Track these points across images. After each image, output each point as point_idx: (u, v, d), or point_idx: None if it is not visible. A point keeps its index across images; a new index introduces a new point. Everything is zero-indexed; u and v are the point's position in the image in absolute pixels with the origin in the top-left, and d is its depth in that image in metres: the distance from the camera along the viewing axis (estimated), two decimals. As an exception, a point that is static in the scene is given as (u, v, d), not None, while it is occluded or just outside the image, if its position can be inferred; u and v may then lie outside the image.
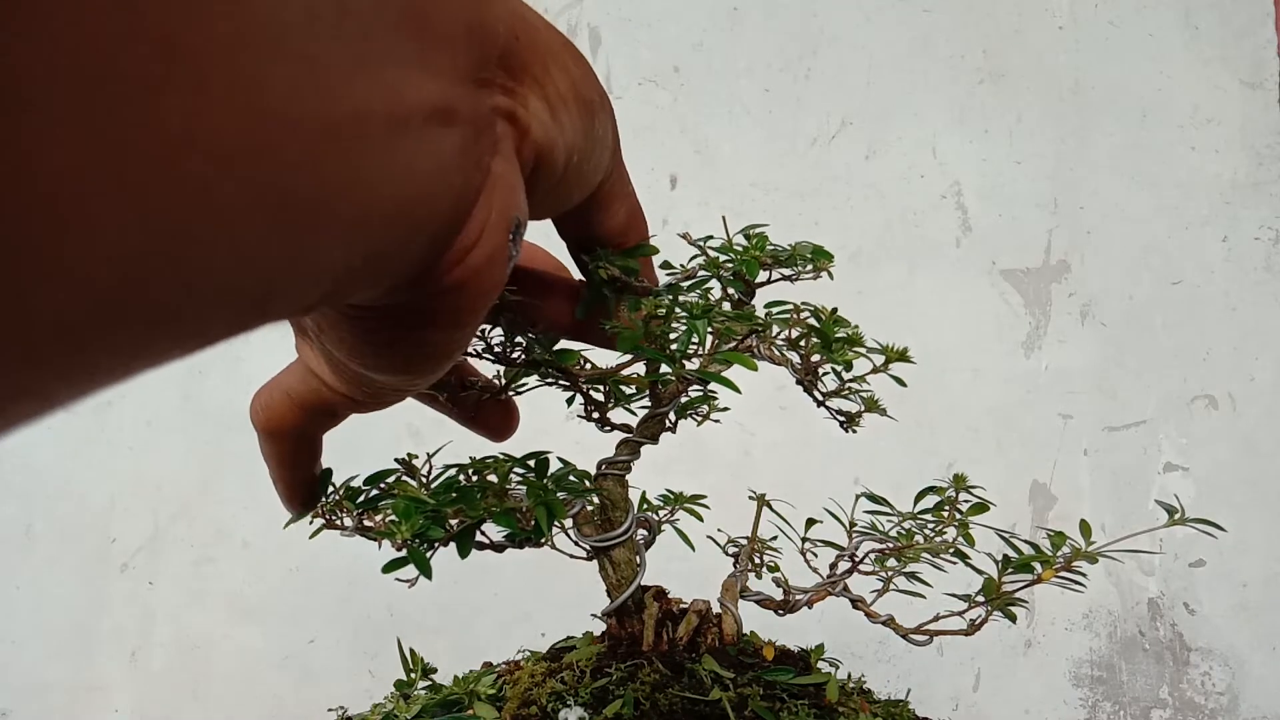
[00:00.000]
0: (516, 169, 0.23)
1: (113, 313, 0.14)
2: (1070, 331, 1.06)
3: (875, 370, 0.44)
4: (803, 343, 0.42)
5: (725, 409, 0.48)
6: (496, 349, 0.39)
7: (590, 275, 0.34)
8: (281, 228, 0.16)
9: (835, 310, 0.40)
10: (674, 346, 0.35)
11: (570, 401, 0.43)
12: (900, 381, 0.43)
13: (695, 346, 0.35)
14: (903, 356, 0.43)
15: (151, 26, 0.12)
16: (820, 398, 0.45)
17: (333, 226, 0.18)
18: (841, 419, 0.46)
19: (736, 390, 0.36)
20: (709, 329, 0.35)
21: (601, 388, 0.42)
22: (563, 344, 0.39)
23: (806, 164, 1.10)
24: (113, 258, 0.13)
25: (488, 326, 0.38)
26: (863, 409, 0.46)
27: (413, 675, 0.52)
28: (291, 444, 0.33)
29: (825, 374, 0.44)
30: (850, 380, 0.44)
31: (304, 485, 0.37)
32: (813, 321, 0.41)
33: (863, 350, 0.42)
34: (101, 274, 0.13)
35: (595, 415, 0.44)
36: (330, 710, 0.57)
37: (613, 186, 0.31)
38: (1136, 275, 1.06)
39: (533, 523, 0.34)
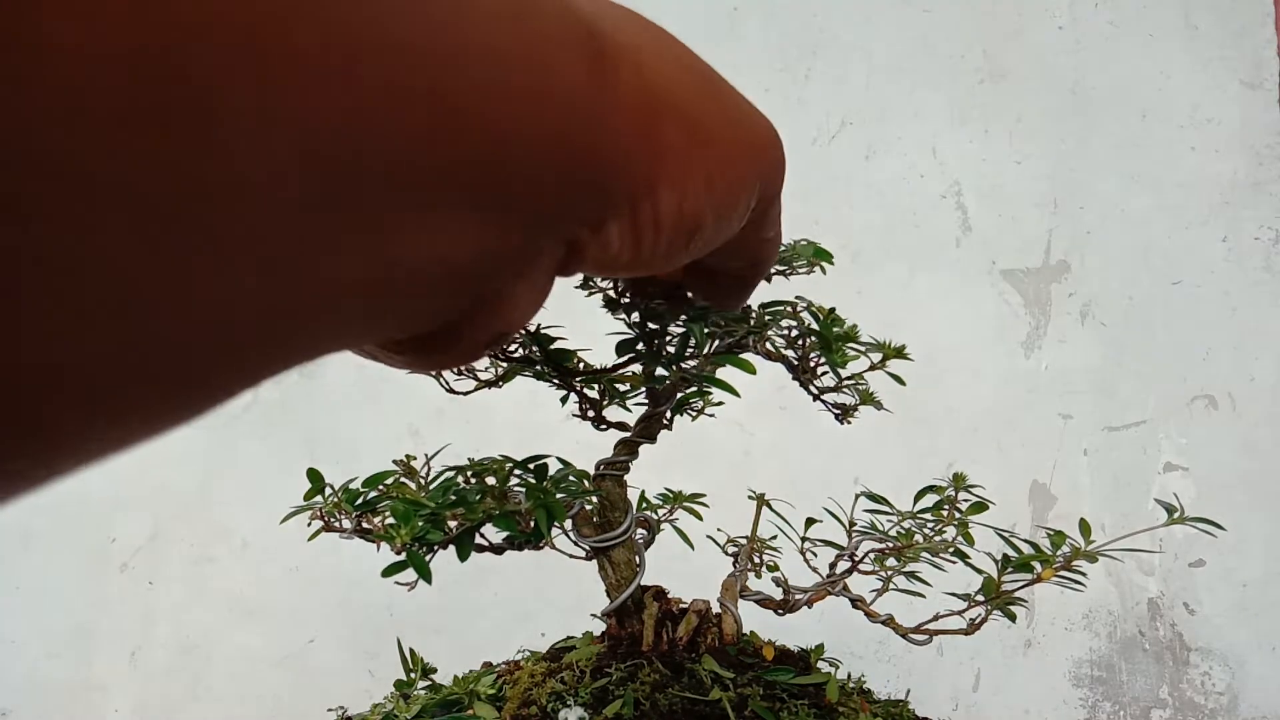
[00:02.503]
0: (542, 288, 0.21)
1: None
2: (1070, 331, 1.06)
3: (873, 367, 0.44)
4: (800, 341, 0.42)
5: (720, 404, 0.48)
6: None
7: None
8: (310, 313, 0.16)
9: (833, 310, 0.40)
10: (671, 349, 0.35)
11: (565, 400, 0.43)
12: (899, 380, 0.43)
13: (692, 349, 0.35)
14: (900, 353, 0.43)
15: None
16: (816, 391, 0.45)
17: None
18: (836, 411, 0.46)
19: (736, 395, 0.36)
20: (705, 330, 0.35)
21: (596, 386, 0.42)
22: (558, 343, 0.39)
23: (806, 164, 1.10)
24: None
25: None
26: (858, 402, 0.46)
27: (413, 675, 0.52)
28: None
29: (824, 373, 0.44)
30: (848, 378, 0.44)
31: None
32: (809, 319, 0.41)
33: (861, 349, 0.42)
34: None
35: (591, 414, 0.44)
36: (330, 710, 0.57)
37: (737, 246, 0.27)
38: (1136, 275, 1.06)
39: (532, 525, 0.34)
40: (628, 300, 0.35)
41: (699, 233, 0.23)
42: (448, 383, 0.45)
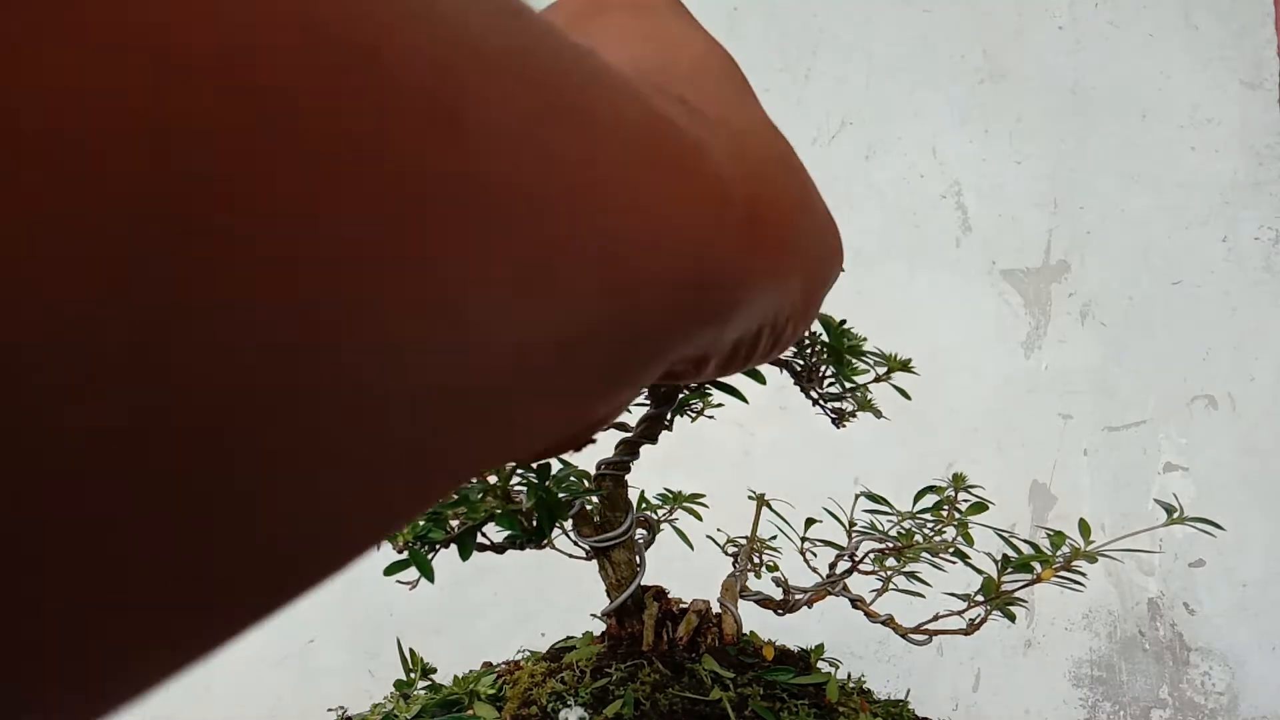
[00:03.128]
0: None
1: None
2: (1070, 331, 1.06)
3: (878, 380, 0.44)
4: (809, 350, 0.42)
5: (720, 405, 0.48)
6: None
7: None
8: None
9: (843, 322, 0.40)
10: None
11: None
12: (904, 394, 0.43)
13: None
14: (905, 366, 0.43)
15: None
16: (817, 395, 0.45)
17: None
18: (833, 415, 0.46)
19: (744, 400, 0.36)
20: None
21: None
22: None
23: (807, 164, 1.09)
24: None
25: None
26: (856, 408, 0.46)
27: (413, 675, 0.52)
28: None
29: (831, 384, 0.44)
30: (852, 389, 0.44)
31: None
32: (819, 329, 0.41)
33: (869, 363, 0.42)
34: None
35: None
36: (330, 710, 0.57)
37: None
38: (1136, 275, 1.06)
39: (534, 524, 0.34)
40: None
41: (753, 355, 0.23)
42: None
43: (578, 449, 0.21)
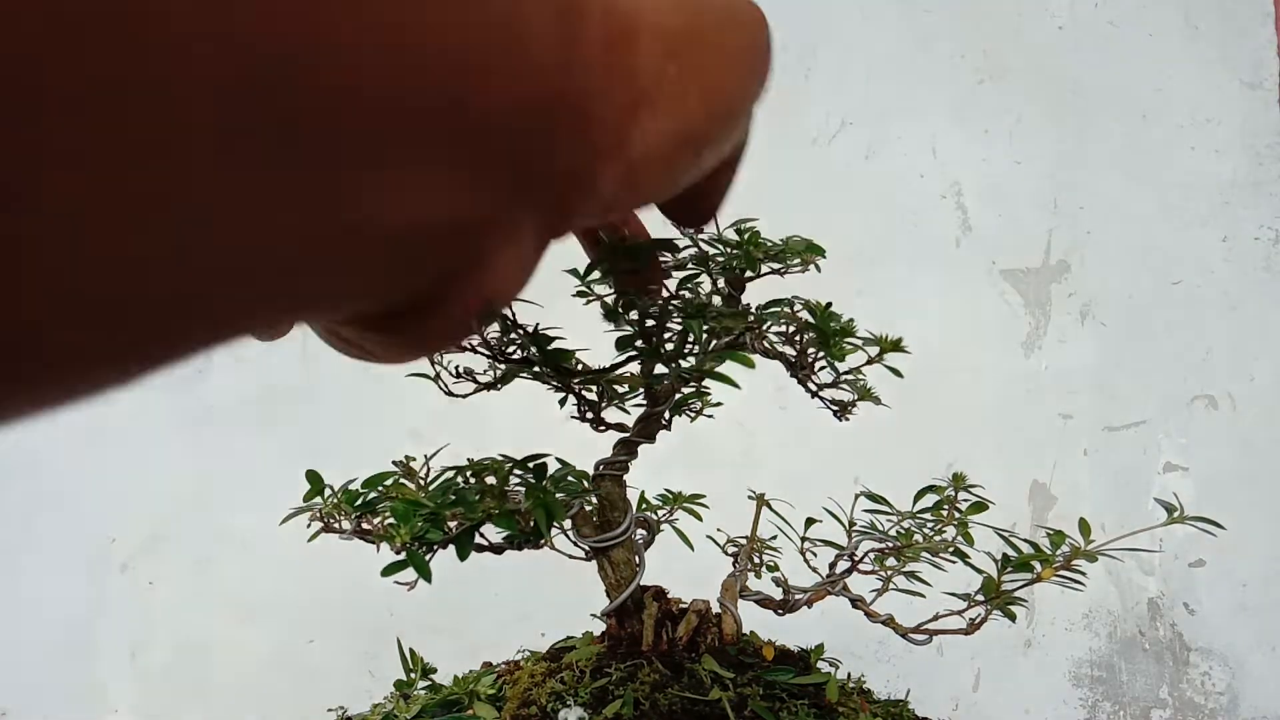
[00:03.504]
0: (531, 253, 0.20)
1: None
2: (1070, 331, 1.06)
3: (870, 361, 0.44)
4: (798, 337, 0.42)
5: (719, 404, 0.47)
6: (491, 344, 0.39)
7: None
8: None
9: (829, 305, 0.40)
10: (669, 346, 0.35)
11: (563, 402, 0.43)
12: (896, 372, 0.43)
13: (691, 345, 0.35)
14: (897, 346, 0.43)
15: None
16: (815, 388, 0.45)
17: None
18: (835, 408, 0.46)
19: (737, 387, 0.36)
20: (704, 327, 0.35)
21: (594, 387, 0.42)
22: (556, 344, 0.38)
23: (806, 164, 1.10)
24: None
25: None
26: (856, 398, 0.46)
27: (413, 675, 0.52)
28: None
29: (822, 368, 0.44)
30: (845, 373, 0.44)
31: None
32: (807, 316, 0.41)
33: (858, 343, 0.42)
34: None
35: (589, 415, 0.44)
36: (330, 710, 0.57)
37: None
38: (1136, 275, 1.06)
39: (532, 524, 0.34)
40: (618, 296, 0.35)
41: (706, 149, 0.22)
42: (446, 386, 0.45)
43: (461, 328, 0.20)
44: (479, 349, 0.39)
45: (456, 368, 0.44)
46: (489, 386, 0.41)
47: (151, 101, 0.11)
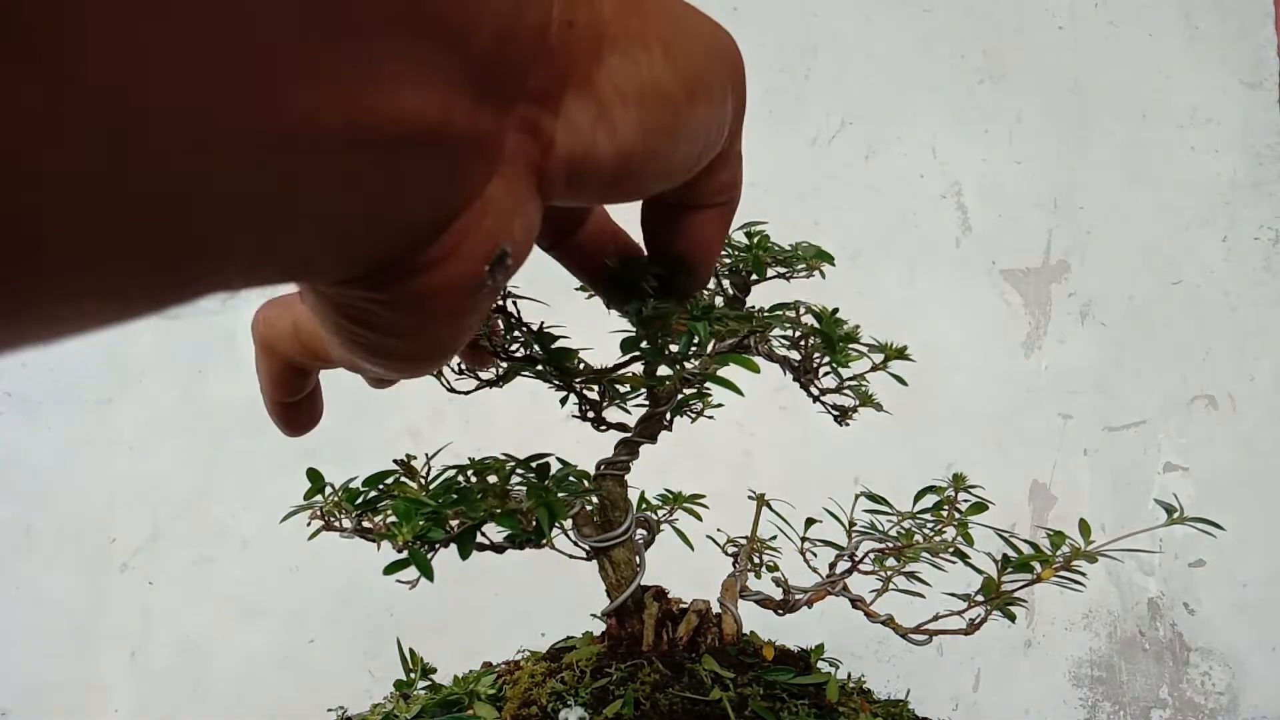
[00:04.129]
0: (522, 191, 0.20)
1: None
2: (1070, 331, 1.06)
3: (875, 368, 0.44)
4: (803, 342, 0.42)
5: (719, 405, 0.48)
6: (494, 341, 0.39)
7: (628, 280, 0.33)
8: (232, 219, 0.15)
9: (835, 311, 0.40)
10: (674, 348, 0.35)
11: (564, 401, 0.43)
12: (900, 380, 0.43)
13: (696, 348, 0.35)
14: (901, 354, 0.43)
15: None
16: (817, 393, 0.45)
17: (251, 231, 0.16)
18: (835, 413, 0.46)
19: (739, 393, 0.36)
20: (709, 329, 0.35)
21: (596, 387, 0.42)
22: (560, 343, 0.38)
23: (806, 164, 1.10)
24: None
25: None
26: (858, 404, 0.46)
27: (413, 675, 0.52)
28: (284, 367, 0.31)
29: (826, 373, 0.44)
30: (849, 379, 0.44)
31: (293, 409, 0.33)
32: (812, 321, 0.41)
33: (863, 349, 0.42)
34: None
35: (590, 415, 0.44)
36: (330, 710, 0.57)
37: (715, 161, 0.26)
38: (1136, 275, 1.06)
39: (534, 523, 0.34)
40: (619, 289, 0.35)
41: (673, 106, 0.22)
42: (448, 382, 0.45)
43: (473, 275, 0.20)
44: (482, 343, 0.39)
45: (459, 364, 0.44)
46: (491, 384, 0.41)
47: None
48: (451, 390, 0.44)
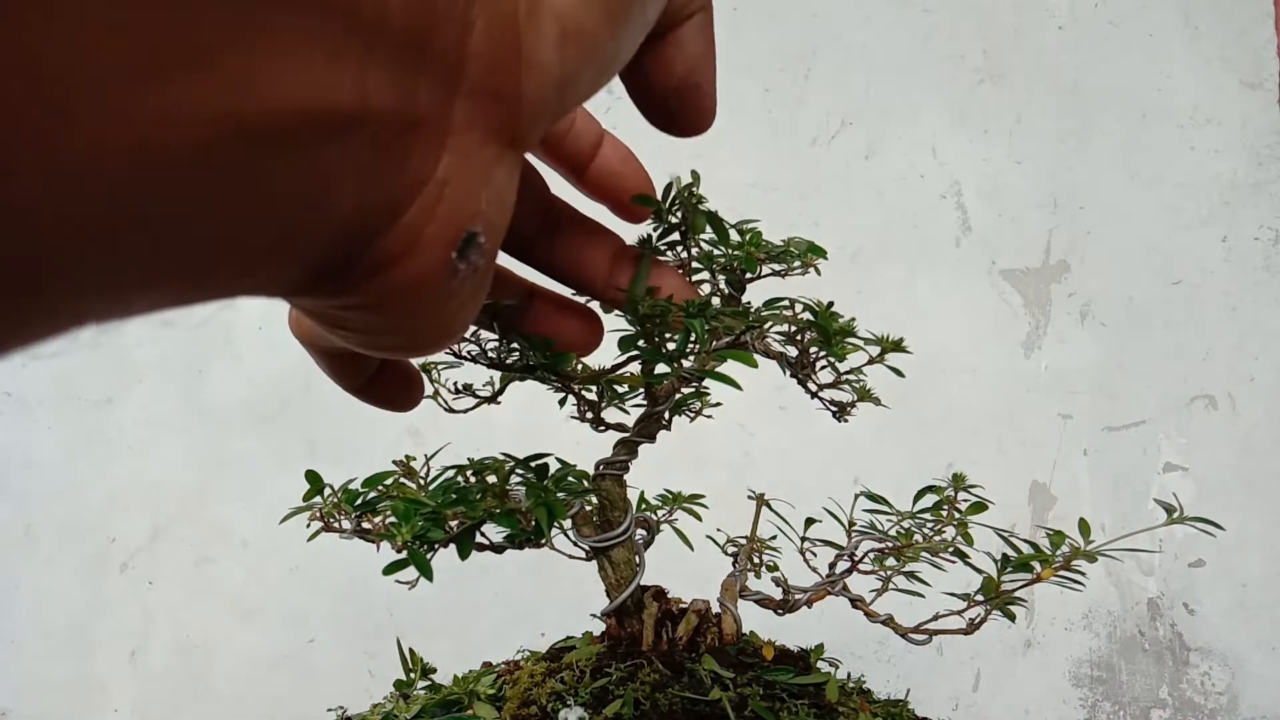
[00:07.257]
0: (485, 162, 0.19)
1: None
2: (1070, 331, 1.06)
3: (871, 361, 0.44)
4: (799, 337, 0.42)
5: (718, 404, 0.48)
6: (490, 353, 0.39)
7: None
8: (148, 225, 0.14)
9: (831, 304, 0.40)
10: (671, 345, 0.35)
11: (563, 403, 0.43)
12: (898, 372, 0.43)
13: (693, 345, 0.35)
14: (898, 347, 0.43)
15: None
16: (815, 388, 0.45)
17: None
18: (834, 409, 0.46)
19: (738, 388, 0.36)
20: (705, 327, 0.35)
21: (594, 388, 0.42)
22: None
23: (806, 164, 1.10)
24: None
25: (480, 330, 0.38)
26: (856, 399, 0.46)
27: (412, 675, 0.52)
28: (327, 358, 0.30)
29: (823, 368, 0.44)
30: (846, 373, 0.44)
31: (369, 391, 0.31)
32: (808, 316, 0.41)
33: (859, 343, 0.42)
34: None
35: (589, 416, 0.44)
36: (330, 710, 0.57)
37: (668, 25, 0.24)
38: (1136, 275, 1.06)
39: (533, 523, 0.34)
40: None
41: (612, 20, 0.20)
42: (446, 402, 0.45)
43: (440, 260, 0.19)
44: (477, 360, 0.39)
45: (455, 383, 0.44)
46: (489, 400, 0.41)
47: None
48: (450, 410, 0.44)
